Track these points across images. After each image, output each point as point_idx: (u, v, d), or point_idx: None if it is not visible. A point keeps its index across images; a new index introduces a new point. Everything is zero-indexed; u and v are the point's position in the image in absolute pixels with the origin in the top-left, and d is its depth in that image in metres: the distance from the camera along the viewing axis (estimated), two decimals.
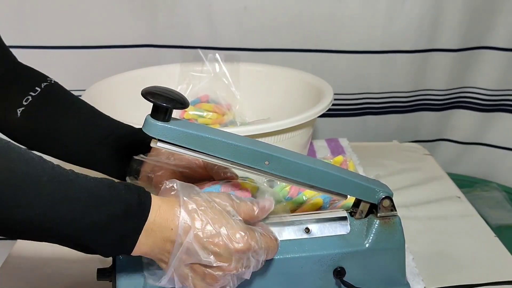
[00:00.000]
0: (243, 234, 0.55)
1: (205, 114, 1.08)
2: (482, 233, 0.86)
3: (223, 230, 0.54)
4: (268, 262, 0.62)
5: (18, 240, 0.84)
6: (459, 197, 0.96)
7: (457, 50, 1.24)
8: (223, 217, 0.55)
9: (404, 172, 1.05)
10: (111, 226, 0.51)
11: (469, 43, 1.25)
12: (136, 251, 0.53)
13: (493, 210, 1.18)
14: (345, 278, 0.64)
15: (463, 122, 1.33)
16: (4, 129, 0.74)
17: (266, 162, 0.61)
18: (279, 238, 0.64)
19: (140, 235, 0.53)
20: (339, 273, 0.64)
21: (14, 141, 0.73)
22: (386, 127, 1.32)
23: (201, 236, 0.53)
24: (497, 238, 0.84)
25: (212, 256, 0.54)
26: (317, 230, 0.65)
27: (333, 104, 0.95)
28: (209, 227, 0.54)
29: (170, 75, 1.11)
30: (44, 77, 0.76)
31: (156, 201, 0.54)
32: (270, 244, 0.58)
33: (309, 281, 0.64)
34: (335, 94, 0.97)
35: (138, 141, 0.71)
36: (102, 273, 0.63)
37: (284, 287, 0.64)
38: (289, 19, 1.21)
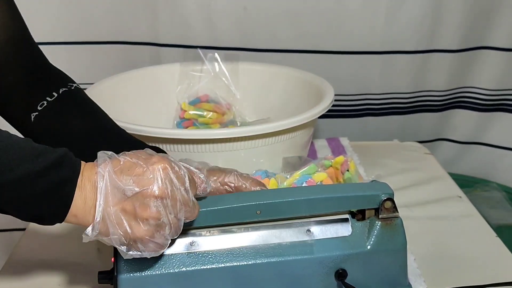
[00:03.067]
0: (160, 155, 0.57)
1: (205, 113, 1.08)
2: (483, 233, 0.86)
3: (141, 160, 0.55)
4: (270, 264, 0.62)
5: (20, 241, 0.84)
6: (460, 197, 0.96)
7: (457, 50, 1.24)
8: (141, 154, 0.57)
9: (405, 171, 1.05)
10: (47, 174, 0.53)
11: (469, 43, 1.24)
12: (72, 209, 0.54)
13: (493, 210, 1.17)
14: (347, 280, 0.64)
15: (462, 122, 1.33)
16: (19, 130, 0.73)
17: (258, 212, 0.62)
18: (280, 240, 0.64)
19: (76, 188, 0.54)
20: (340, 275, 0.64)
21: None
22: (386, 128, 1.31)
23: (120, 167, 0.55)
24: (498, 239, 0.84)
25: (133, 183, 0.54)
26: (319, 232, 0.65)
27: (333, 105, 0.95)
28: (127, 161, 0.55)
29: (170, 75, 1.10)
30: (65, 82, 0.74)
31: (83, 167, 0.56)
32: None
33: (311, 283, 0.64)
34: (335, 94, 0.96)
35: None
36: (103, 276, 0.63)
37: None
38: (289, 19, 1.20)
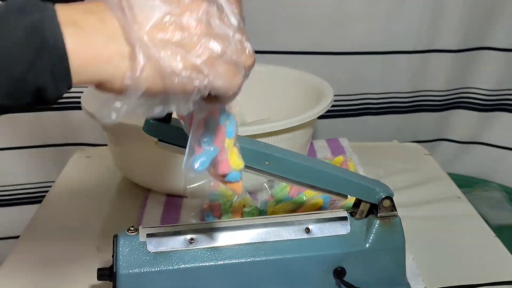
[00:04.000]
0: None
1: None
2: (482, 233, 0.86)
3: None
4: (269, 262, 0.62)
5: (19, 241, 0.84)
6: (459, 197, 0.96)
7: (457, 50, 1.24)
8: None
9: (404, 172, 1.05)
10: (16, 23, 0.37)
11: (469, 43, 1.25)
12: (74, 51, 0.38)
13: (493, 210, 1.18)
14: (345, 278, 0.64)
15: (462, 122, 1.33)
16: None
17: (267, 162, 0.62)
18: (279, 238, 0.64)
19: (63, 27, 0.38)
20: (339, 273, 0.64)
21: None
22: (386, 128, 1.32)
23: None
24: (497, 238, 0.84)
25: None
26: (318, 230, 0.65)
27: (333, 105, 0.95)
28: None
29: None
30: None
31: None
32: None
33: (309, 281, 0.64)
34: (334, 95, 0.97)
35: None
36: (102, 273, 0.63)
37: (284, 287, 0.64)
38: (289, 20, 1.20)
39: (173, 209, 0.90)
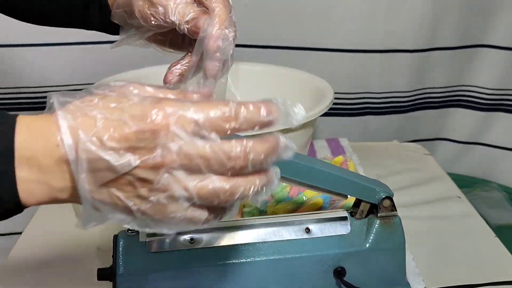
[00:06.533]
0: (155, 104, 0.39)
1: None
2: (482, 233, 0.86)
3: (126, 114, 0.39)
4: (269, 262, 0.62)
5: (19, 241, 0.84)
6: (459, 197, 0.96)
7: (456, 48, 1.24)
8: (123, 99, 0.40)
9: (404, 172, 1.05)
10: None
11: (469, 41, 1.24)
12: (27, 198, 0.40)
13: (493, 210, 1.18)
14: (345, 278, 0.64)
15: (462, 121, 1.33)
16: None
17: None
18: (279, 238, 0.64)
19: (16, 169, 0.39)
20: (339, 273, 0.64)
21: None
22: (386, 127, 1.32)
23: (99, 134, 0.38)
24: (497, 238, 0.84)
25: (126, 153, 0.39)
26: (318, 230, 0.65)
27: (333, 104, 0.95)
28: (105, 121, 0.39)
29: None
30: None
31: (23, 120, 0.40)
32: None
33: (309, 281, 0.64)
34: (335, 93, 0.97)
35: None
36: (103, 273, 0.63)
37: (284, 287, 0.64)
38: (289, 17, 1.20)
39: None
